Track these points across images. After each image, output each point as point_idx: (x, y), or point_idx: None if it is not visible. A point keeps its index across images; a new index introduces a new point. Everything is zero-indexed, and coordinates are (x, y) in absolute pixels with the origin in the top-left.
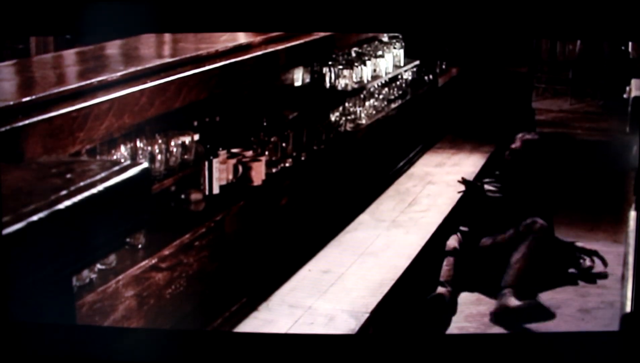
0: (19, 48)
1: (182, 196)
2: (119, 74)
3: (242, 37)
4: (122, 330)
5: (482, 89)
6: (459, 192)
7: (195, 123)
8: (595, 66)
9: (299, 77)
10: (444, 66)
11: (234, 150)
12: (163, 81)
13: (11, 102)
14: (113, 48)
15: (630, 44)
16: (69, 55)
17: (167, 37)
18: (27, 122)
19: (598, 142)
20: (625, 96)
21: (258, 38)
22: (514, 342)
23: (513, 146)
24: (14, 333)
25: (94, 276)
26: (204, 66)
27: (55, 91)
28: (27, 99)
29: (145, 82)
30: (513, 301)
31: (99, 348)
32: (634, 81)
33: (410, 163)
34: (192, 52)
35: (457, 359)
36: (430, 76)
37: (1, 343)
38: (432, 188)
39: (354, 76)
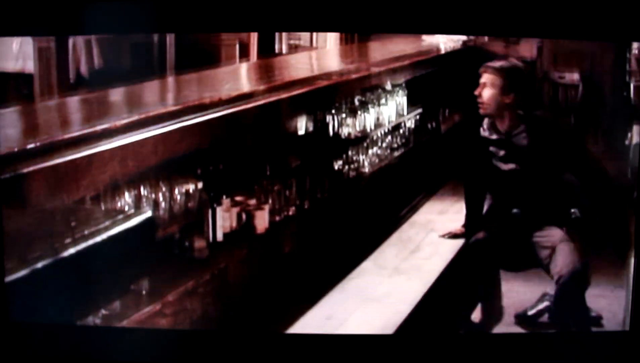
0: (24, 93)
1: (186, 243)
2: (123, 121)
3: (245, 86)
4: (122, 330)
5: None
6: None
7: (199, 171)
8: (597, 112)
9: (302, 125)
10: (447, 113)
11: (238, 198)
12: (167, 129)
13: (15, 148)
14: (117, 95)
15: (632, 90)
16: (73, 101)
17: (171, 84)
18: (31, 168)
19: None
20: (627, 142)
21: (261, 87)
22: (514, 342)
23: None
24: (14, 333)
25: (98, 321)
26: (208, 113)
27: (60, 138)
28: (32, 145)
29: (149, 130)
30: None
31: (99, 348)
32: (635, 127)
33: (413, 210)
34: (196, 100)
35: (457, 359)
36: (433, 124)
37: (1, 343)
38: (435, 235)
39: (357, 124)
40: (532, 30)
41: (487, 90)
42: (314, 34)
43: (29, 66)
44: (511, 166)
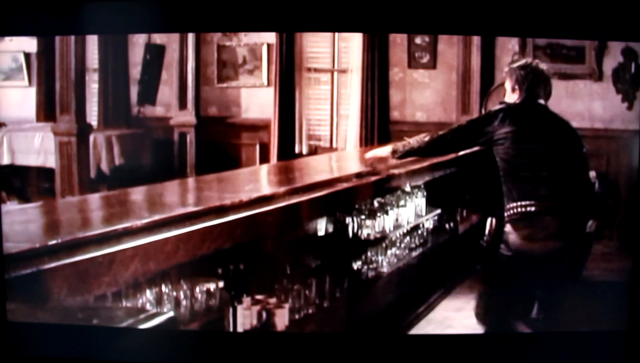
0: (45, 187)
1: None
2: (144, 221)
3: (266, 188)
4: (122, 330)
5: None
6: None
7: (220, 270)
8: (612, 209)
9: (322, 226)
10: (464, 214)
11: (258, 297)
12: (188, 230)
13: (37, 245)
14: (137, 194)
15: None
16: (94, 199)
17: (192, 184)
18: (53, 264)
19: (614, 282)
20: None
21: (282, 189)
22: (515, 341)
23: None
24: (14, 333)
25: None
26: (229, 215)
27: (81, 235)
28: (54, 242)
29: (170, 231)
30: None
31: (99, 348)
32: None
33: (430, 307)
34: (217, 202)
35: (457, 359)
36: (452, 224)
37: (1, 343)
38: (452, 332)
39: (376, 225)
40: (532, 30)
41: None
42: (334, 134)
43: (50, 160)
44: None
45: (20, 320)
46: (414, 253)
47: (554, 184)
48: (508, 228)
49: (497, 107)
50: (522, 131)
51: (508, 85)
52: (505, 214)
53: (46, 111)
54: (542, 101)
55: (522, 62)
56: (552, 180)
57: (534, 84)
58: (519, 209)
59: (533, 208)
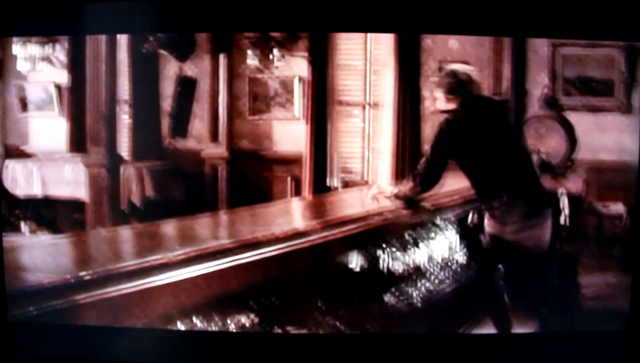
0: (75, 218)
1: None
2: (176, 254)
3: (298, 223)
4: (122, 330)
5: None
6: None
7: (252, 303)
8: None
9: (353, 260)
10: None
11: (291, 330)
12: (221, 264)
13: (69, 277)
14: (169, 227)
15: None
16: (125, 231)
17: (223, 218)
18: (84, 296)
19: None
20: None
21: (314, 224)
22: (515, 341)
23: None
24: (14, 333)
25: None
26: (261, 249)
27: (113, 268)
28: (86, 275)
29: (203, 264)
30: None
31: (99, 348)
32: None
33: None
34: (249, 236)
35: (457, 359)
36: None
37: (1, 343)
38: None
39: (407, 259)
40: (533, 30)
41: None
42: (366, 168)
43: (81, 192)
44: None
45: (20, 320)
46: (445, 286)
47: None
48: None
49: (444, 118)
50: (476, 133)
51: (441, 95)
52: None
53: (77, 142)
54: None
55: (448, 70)
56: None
57: (463, 87)
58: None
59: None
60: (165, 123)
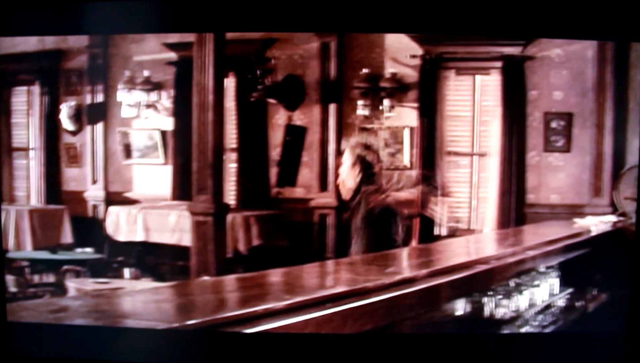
0: (179, 266)
1: None
2: (284, 303)
3: (406, 271)
4: (122, 330)
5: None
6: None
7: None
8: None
9: (459, 307)
10: (595, 293)
11: None
12: (329, 312)
13: (175, 325)
14: (276, 276)
15: None
16: (230, 280)
17: (331, 267)
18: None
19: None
20: None
21: (422, 272)
22: (515, 341)
23: None
24: (14, 333)
25: None
26: (370, 298)
27: (220, 316)
28: (191, 322)
29: (311, 313)
30: None
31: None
32: None
33: None
34: (358, 285)
35: (458, 359)
36: (582, 302)
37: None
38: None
39: (511, 305)
40: (532, 31)
41: None
42: (472, 217)
43: (185, 239)
44: None
45: (20, 320)
46: (546, 331)
47: None
48: None
49: None
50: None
51: (349, 160)
52: None
53: (181, 189)
54: None
55: (355, 139)
56: None
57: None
58: None
59: None
60: (273, 172)
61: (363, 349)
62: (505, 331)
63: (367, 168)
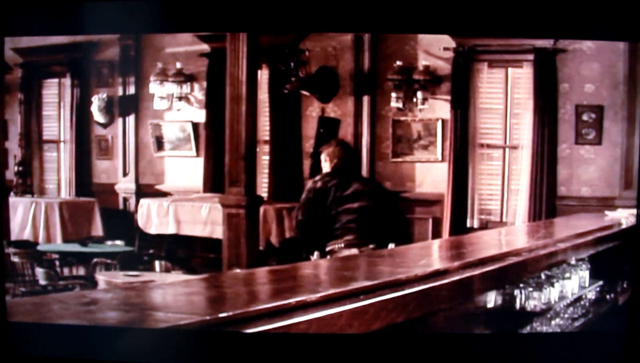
0: (210, 258)
1: None
2: (317, 295)
3: (439, 263)
4: (122, 330)
5: None
6: None
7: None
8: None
9: (491, 299)
10: (625, 285)
11: None
12: (363, 304)
13: (207, 317)
14: (310, 268)
15: None
16: (262, 272)
17: (365, 259)
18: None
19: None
20: None
21: (455, 264)
22: (515, 342)
23: None
24: (14, 333)
25: None
26: (403, 290)
27: (252, 309)
28: (222, 315)
29: (344, 305)
30: None
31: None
32: None
33: None
34: (391, 277)
35: (458, 359)
36: (612, 295)
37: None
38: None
39: (542, 297)
40: (533, 31)
41: None
42: (504, 209)
43: (217, 231)
44: None
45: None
46: (576, 323)
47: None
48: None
49: (316, 178)
50: (337, 192)
51: (323, 158)
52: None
53: (213, 181)
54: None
55: (332, 141)
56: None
57: (340, 156)
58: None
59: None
60: (306, 164)
61: (382, 348)
62: (536, 323)
63: None
